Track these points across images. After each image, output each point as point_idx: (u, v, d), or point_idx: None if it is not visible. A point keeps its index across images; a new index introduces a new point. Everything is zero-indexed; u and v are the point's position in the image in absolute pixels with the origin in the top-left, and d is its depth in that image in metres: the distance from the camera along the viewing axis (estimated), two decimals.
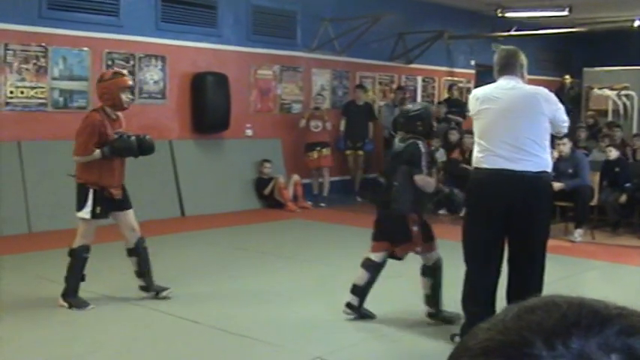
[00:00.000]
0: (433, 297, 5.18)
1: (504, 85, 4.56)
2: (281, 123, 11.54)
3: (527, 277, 4.53)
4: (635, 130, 12.80)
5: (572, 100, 15.84)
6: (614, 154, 9.54)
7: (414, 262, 5.31)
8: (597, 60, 15.51)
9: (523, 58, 4.65)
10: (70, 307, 5.43)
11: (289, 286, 6.35)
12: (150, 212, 9.42)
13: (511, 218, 4.46)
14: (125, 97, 5.51)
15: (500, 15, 13.37)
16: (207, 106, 10.29)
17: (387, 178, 5.24)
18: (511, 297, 4.49)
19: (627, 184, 9.22)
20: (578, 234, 8.82)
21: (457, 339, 4.67)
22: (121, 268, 6.14)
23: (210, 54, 10.56)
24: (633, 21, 13.49)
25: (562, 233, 9.07)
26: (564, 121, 4.67)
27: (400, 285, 5.92)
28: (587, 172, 9.11)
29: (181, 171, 10.12)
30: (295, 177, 10.95)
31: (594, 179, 9.34)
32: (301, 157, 11.34)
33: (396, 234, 5.15)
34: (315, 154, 11.25)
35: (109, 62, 9.45)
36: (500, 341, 0.60)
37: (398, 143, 5.24)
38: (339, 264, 7.23)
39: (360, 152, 11.95)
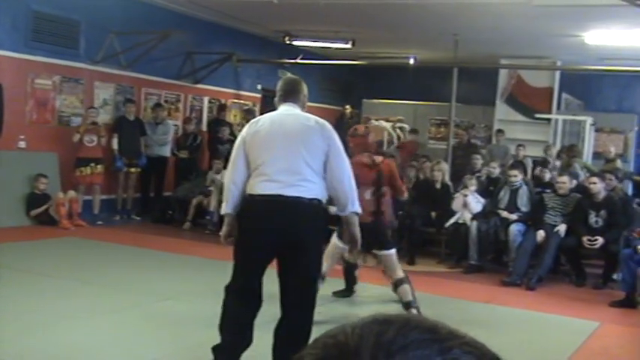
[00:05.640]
0: None
1: (284, 112, 4.47)
2: (58, 136, 10.91)
3: (299, 313, 4.36)
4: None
5: None
6: None
7: None
8: (376, 92, 16.41)
9: (305, 88, 4.62)
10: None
11: (58, 308, 5.97)
12: None
13: (283, 246, 4.28)
14: None
15: (287, 42, 13.70)
16: None
17: None
18: (282, 329, 4.36)
19: (399, 212, 9.75)
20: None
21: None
22: None
23: None
24: (409, 59, 14.43)
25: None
26: (343, 159, 4.39)
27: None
28: None
29: None
30: (71, 193, 10.42)
31: None
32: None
33: None
34: (88, 170, 10.77)
35: None
36: (340, 342, 0.63)
37: None
38: (113, 284, 6.96)
39: (133, 170, 11.61)
